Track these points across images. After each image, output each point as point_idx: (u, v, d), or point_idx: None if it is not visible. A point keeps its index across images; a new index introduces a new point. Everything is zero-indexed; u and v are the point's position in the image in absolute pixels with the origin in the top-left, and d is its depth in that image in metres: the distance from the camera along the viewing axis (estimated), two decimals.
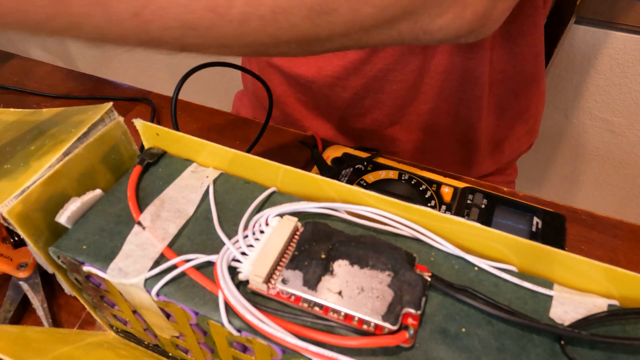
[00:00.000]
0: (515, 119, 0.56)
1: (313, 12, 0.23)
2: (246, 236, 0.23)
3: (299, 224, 0.24)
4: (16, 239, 0.35)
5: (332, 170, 0.36)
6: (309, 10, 0.23)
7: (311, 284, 0.21)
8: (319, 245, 0.22)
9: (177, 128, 0.39)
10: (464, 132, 0.54)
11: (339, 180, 0.36)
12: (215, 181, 0.27)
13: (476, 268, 0.23)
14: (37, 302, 0.33)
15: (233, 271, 0.22)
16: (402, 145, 0.56)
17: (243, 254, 0.22)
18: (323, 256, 0.22)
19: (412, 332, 0.20)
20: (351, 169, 0.37)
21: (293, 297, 0.21)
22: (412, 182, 0.36)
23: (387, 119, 0.54)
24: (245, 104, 0.66)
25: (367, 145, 0.53)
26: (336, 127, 0.57)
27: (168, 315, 0.24)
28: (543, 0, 0.48)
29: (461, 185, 0.36)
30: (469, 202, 0.34)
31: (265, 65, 0.57)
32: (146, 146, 0.29)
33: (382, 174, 0.37)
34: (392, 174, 0.37)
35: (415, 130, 0.54)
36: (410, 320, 0.20)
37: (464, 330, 0.20)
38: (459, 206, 0.34)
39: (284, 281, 0.21)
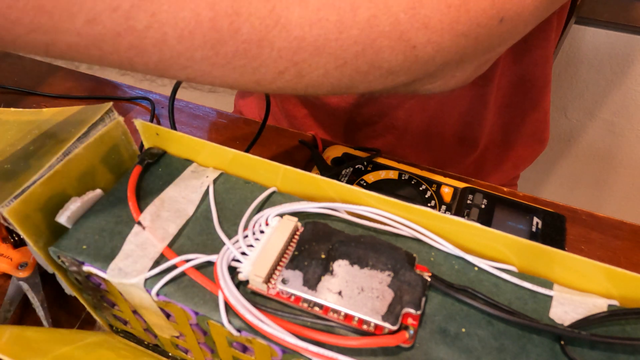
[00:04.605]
0: (522, 118, 0.57)
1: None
2: (246, 236, 0.23)
3: (299, 224, 0.24)
4: (16, 238, 0.35)
5: (332, 170, 0.36)
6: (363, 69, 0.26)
7: (311, 284, 0.21)
8: (319, 245, 0.22)
9: (174, 127, 0.39)
10: (468, 133, 0.55)
11: (339, 180, 0.36)
12: (215, 181, 0.27)
13: (476, 268, 0.23)
14: (37, 302, 0.33)
15: (233, 271, 0.22)
16: (403, 148, 0.56)
17: (243, 254, 0.22)
18: (323, 256, 0.22)
19: (412, 332, 0.20)
20: (351, 169, 0.37)
21: (293, 297, 0.21)
22: (412, 182, 0.36)
23: (394, 134, 0.54)
24: (248, 102, 0.66)
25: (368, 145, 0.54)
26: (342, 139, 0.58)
27: (168, 315, 0.24)
28: (557, 17, 0.48)
29: (461, 185, 0.36)
30: (469, 202, 0.34)
31: None
32: (146, 146, 0.29)
33: (382, 174, 0.37)
34: (392, 174, 0.37)
35: (418, 137, 0.55)
36: (410, 320, 0.20)
37: (464, 330, 0.20)
38: (459, 206, 0.34)
39: (284, 281, 0.21)
